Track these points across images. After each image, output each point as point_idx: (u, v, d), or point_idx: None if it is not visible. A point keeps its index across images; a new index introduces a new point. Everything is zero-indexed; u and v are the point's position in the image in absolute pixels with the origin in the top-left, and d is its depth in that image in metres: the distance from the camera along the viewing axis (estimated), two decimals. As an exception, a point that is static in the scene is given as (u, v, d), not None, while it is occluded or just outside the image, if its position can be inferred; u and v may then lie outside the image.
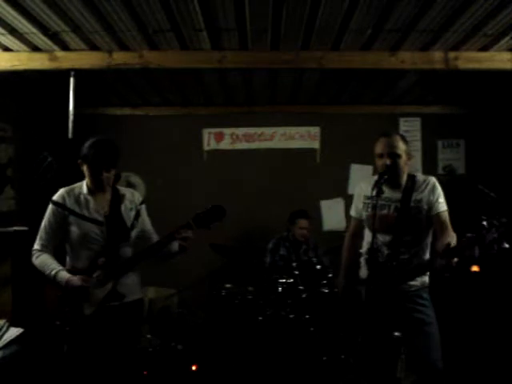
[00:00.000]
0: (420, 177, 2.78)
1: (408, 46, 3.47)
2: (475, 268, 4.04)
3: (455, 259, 2.32)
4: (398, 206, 2.70)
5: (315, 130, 5.39)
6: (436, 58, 3.55)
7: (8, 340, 2.62)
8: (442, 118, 5.39)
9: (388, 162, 2.67)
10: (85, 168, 2.55)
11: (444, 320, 4.09)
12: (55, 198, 2.57)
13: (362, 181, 3.04)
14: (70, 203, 2.54)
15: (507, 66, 3.55)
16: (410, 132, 5.36)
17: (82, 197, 2.56)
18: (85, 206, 2.55)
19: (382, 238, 2.71)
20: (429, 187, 2.70)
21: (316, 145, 5.40)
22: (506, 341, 3.79)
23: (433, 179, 2.75)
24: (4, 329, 2.66)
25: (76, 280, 2.45)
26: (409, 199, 2.67)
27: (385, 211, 2.72)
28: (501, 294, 4.04)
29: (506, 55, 3.54)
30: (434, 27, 3.17)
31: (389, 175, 2.63)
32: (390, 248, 2.67)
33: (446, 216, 2.65)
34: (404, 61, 3.57)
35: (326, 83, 4.52)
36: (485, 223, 2.26)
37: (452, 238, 2.57)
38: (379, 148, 2.74)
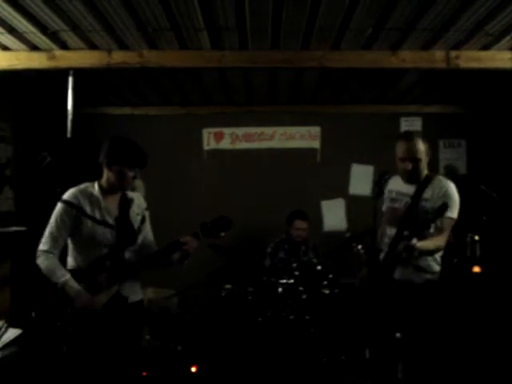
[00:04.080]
0: (437, 178, 2.85)
1: (409, 45, 3.45)
2: (477, 269, 4.04)
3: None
4: (409, 201, 2.79)
5: (315, 130, 5.38)
6: (437, 57, 3.54)
7: (7, 341, 2.61)
8: (443, 118, 5.37)
9: (410, 166, 2.79)
10: (115, 167, 2.50)
11: (446, 320, 4.09)
12: (67, 197, 2.50)
13: (393, 176, 3.05)
14: (83, 203, 2.50)
15: (508, 65, 3.54)
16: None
17: (93, 197, 2.53)
18: (96, 207, 2.52)
19: (390, 232, 2.81)
20: (441, 191, 2.75)
21: (316, 144, 5.38)
22: (507, 341, 3.78)
23: (448, 184, 2.80)
24: (3, 330, 2.65)
25: (85, 300, 2.40)
26: (419, 197, 2.75)
27: (396, 205, 2.85)
28: (502, 294, 4.03)
29: (507, 54, 3.53)
30: (434, 26, 3.15)
31: (409, 174, 2.79)
32: (392, 242, 2.73)
33: (447, 222, 2.69)
34: (405, 60, 3.55)
35: (326, 83, 4.51)
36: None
37: (437, 241, 2.68)
38: (400, 152, 2.82)
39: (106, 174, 2.55)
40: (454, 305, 4.08)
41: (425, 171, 2.87)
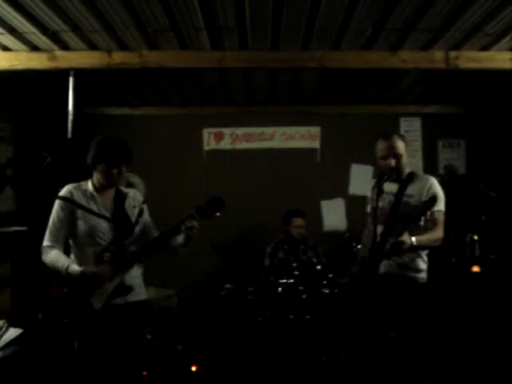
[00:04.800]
0: (420, 175, 2.92)
1: (408, 45, 3.46)
2: (476, 268, 4.04)
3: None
4: (392, 199, 2.84)
5: (315, 130, 5.38)
6: (436, 57, 3.56)
7: (7, 340, 2.62)
8: (442, 118, 5.38)
9: (393, 163, 2.83)
10: (98, 166, 2.54)
11: (445, 320, 4.09)
12: (62, 193, 2.56)
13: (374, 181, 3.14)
14: (77, 197, 2.55)
15: (508, 65, 3.55)
16: (410, 132, 5.35)
17: (88, 193, 2.58)
18: (92, 202, 2.57)
19: (379, 230, 2.83)
20: (422, 184, 2.83)
21: (316, 145, 5.39)
22: (507, 341, 3.78)
23: (430, 178, 2.88)
24: (3, 329, 2.65)
25: (91, 270, 2.44)
26: (402, 193, 2.80)
27: (381, 203, 2.86)
28: (502, 294, 4.04)
29: (506, 55, 3.55)
30: (434, 27, 3.17)
31: (392, 174, 2.81)
32: (381, 238, 2.77)
33: (438, 215, 2.75)
34: (404, 60, 3.56)
35: (326, 83, 4.52)
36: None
37: (434, 235, 2.74)
38: (381, 151, 2.87)
39: (95, 175, 2.60)
40: (452, 304, 4.09)
41: (407, 169, 2.92)
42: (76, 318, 2.46)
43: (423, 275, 2.85)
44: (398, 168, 2.85)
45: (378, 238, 2.77)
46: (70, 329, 2.48)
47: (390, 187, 2.87)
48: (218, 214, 2.59)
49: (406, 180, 2.85)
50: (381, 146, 2.88)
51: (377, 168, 4.90)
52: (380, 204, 2.84)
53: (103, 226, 2.55)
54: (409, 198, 2.80)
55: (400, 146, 2.86)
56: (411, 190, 2.82)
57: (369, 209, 3.09)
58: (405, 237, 2.57)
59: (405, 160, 2.88)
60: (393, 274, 2.78)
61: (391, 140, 2.86)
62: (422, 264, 2.86)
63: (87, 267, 2.47)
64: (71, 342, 2.52)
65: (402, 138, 2.94)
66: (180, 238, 2.63)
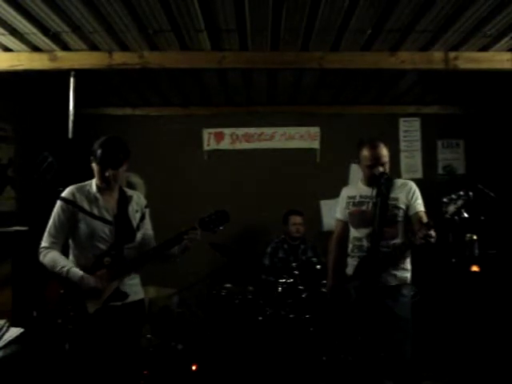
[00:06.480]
0: (399, 180, 2.98)
1: (408, 46, 3.48)
2: (475, 268, 4.06)
3: (432, 231, 2.52)
4: (376, 202, 2.82)
5: (315, 130, 5.40)
6: (436, 58, 3.57)
7: (8, 340, 2.62)
8: (441, 118, 5.39)
9: (381, 169, 2.85)
10: (94, 166, 2.54)
11: (444, 320, 4.10)
12: (64, 194, 2.55)
13: (344, 187, 3.20)
14: (79, 200, 2.53)
15: (507, 66, 3.57)
16: (409, 132, 5.37)
17: (91, 195, 2.56)
18: (94, 204, 2.55)
19: (362, 232, 2.90)
20: (406, 188, 2.89)
21: (316, 145, 5.40)
22: (506, 340, 3.80)
23: (411, 183, 2.94)
24: (4, 329, 2.65)
25: (92, 280, 2.45)
26: (386, 196, 2.81)
27: (364, 207, 2.92)
28: (501, 293, 4.05)
29: (505, 55, 3.56)
30: (433, 27, 3.18)
31: (374, 179, 2.85)
32: (370, 241, 2.81)
33: (423, 215, 2.81)
34: (404, 61, 3.58)
35: (325, 83, 4.53)
36: (445, 199, 2.47)
37: None
38: (369, 160, 2.88)
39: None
40: (452, 304, 4.10)
41: None
42: (69, 320, 2.45)
43: (410, 275, 2.90)
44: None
45: (365, 242, 2.85)
46: (63, 330, 2.46)
47: (368, 191, 2.89)
48: (221, 227, 2.58)
49: (383, 184, 2.81)
50: (368, 155, 2.88)
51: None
52: (363, 208, 2.91)
53: (104, 229, 2.53)
54: (395, 201, 2.83)
55: (386, 153, 2.88)
56: (395, 194, 2.85)
57: (345, 214, 3.07)
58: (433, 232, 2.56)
59: (388, 167, 2.90)
60: (385, 273, 2.80)
61: (379, 148, 2.87)
62: (409, 264, 2.91)
63: (86, 270, 2.47)
64: (62, 344, 2.50)
65: (385, 144, 2.94)
66: (175, 249, 2.60)
